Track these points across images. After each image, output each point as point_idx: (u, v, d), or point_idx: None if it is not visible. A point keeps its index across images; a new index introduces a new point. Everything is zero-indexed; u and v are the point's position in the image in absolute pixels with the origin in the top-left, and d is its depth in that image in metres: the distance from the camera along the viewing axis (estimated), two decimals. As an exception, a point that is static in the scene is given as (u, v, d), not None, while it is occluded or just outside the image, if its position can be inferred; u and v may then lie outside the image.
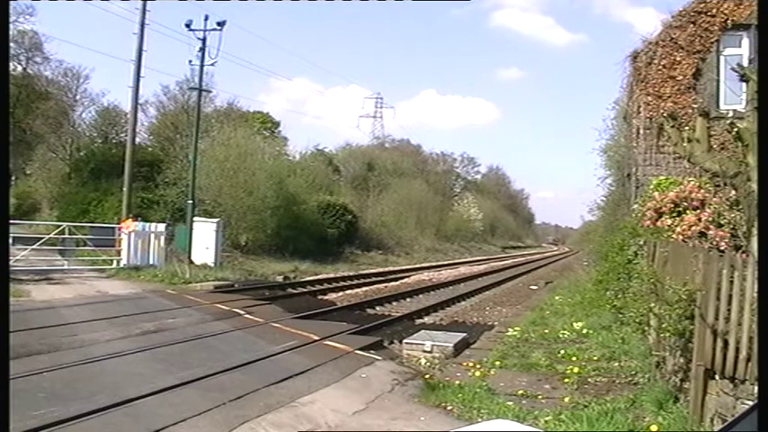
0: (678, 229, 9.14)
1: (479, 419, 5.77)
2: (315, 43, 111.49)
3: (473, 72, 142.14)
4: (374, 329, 11.95)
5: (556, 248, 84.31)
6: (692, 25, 11.69)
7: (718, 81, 11.42)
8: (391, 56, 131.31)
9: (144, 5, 20.83)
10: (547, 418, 5.83)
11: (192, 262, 19.20)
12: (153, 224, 19.67)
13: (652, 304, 6.16)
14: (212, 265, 20.10)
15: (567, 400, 6.48)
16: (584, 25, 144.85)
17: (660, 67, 11.75)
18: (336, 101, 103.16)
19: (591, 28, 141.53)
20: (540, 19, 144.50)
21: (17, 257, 15.64)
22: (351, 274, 24.68)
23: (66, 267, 17.15)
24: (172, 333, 9.98)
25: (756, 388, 4.05)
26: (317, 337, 9.96)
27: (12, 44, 28.46)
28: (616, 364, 8.02)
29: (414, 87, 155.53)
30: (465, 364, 8.36)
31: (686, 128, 10.96)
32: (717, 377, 5.23)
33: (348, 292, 19.29)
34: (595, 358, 8.37)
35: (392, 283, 22.62)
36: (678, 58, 11.69)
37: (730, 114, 10.36)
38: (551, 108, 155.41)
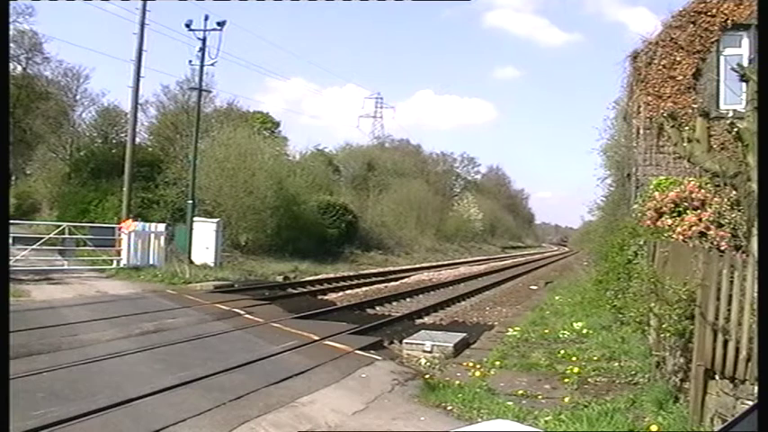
0: (678, 229, 9.15)
1: (479, 419, 5.77)
2: (310, 43, 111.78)
3: (470, 72, 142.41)
4: (374, 329, 11.94)
5: (556, 249, 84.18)
6: (692, 25, 11.68)
7: (718, 81, 11.41)
8: (387, 56, 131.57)
9: (144, 5, 20.84)
10: (547, 418, 5.82)
11: (192, 262, 19.21)
12: (153, 224, 19.67)
13: (652, 304, 6.16)
14: (212, 265, 20.11)
15: (566, 400, 6.48)
16: (578, 25, 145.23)
17: (660, 67, 11.74)
18: (333, 100, 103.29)
19: (585, 27, 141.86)
20: (534, 19, 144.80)
21: (17, 257, 15.64)
22: (351, 274, 24.66)
23: (66, 267, 17.15)
24: (172, 333, 9.98)
25: (756, 388, 4.05)
26: (316, 337, 9.96)
27: (12, 44, 28.47)
28: (616, 364, 8.02)
29: (410, 87, 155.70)
30: (465, 364, 8.37)
31: (686, 128, 10.95)
32: (717, 377, 5.22)
33: (348, 292, 19.28)
34: (595, 358, 8.36)
35: (392, 283, 22.61)
36: (678, 58, 11.68)
37: (730, 114, 10.35)
38: (550, 107, 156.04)
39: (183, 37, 49.08)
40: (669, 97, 11.63)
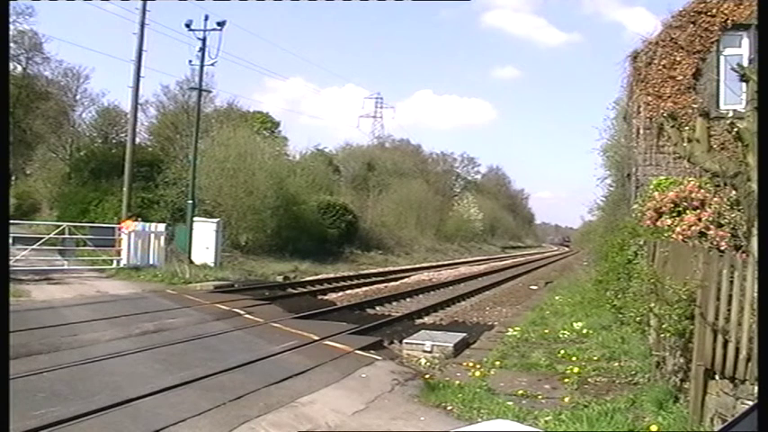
0: (678, 229, 9.14)
1: (479, 419, 5.77)
2: (309, 42, 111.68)
3: (469, 72, 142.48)
4: (374, 329, 11.94)
5: (556, 249, 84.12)
6: (692, 25, 11.68)
7: (718, 81, 11.41)
8: (387, 56, 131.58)
9: (144, 5, 20.86)
10: (547, 418, 5.83)
11: (192, 262, 19.20)
12: (153, 224, 19.66)
13: (652, 304, 6.16)
14: (212, 265, 20.10)
15: (566, 400, 6.48)
16: (576, 25, 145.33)
17: (660, 67, 11.74)
18: (332, 100, 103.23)
19: (584, 27, 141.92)
20: (533, 19, 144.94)
21: (17, 257, 15.64)
22: (351, 274, 24.67)
23: (66, 267, 17.14)
24: (172, 333, 9.98)
25: (756, 388, 4.05)
26: (316, 337, 9.96)
27: (12, 44, 28.45)
28: (616, 364, 8.01)
29: (409, 87, 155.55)
30: (465, 364, 8.36)
31: (686, 128, 10.96)
32: (717, 377, 5.22)
33: (348, 292, 19.28)
34: (595, 358, 8.36)
35: (392, 283, 22.61)
36: (678, 58, 11.68)
37: (730, 114, 10.35)
38: (549, 107, 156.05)
39: (183, 37, 49.25)
40: (669, 97, 11.63)
